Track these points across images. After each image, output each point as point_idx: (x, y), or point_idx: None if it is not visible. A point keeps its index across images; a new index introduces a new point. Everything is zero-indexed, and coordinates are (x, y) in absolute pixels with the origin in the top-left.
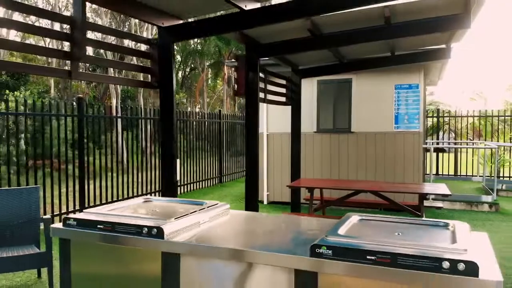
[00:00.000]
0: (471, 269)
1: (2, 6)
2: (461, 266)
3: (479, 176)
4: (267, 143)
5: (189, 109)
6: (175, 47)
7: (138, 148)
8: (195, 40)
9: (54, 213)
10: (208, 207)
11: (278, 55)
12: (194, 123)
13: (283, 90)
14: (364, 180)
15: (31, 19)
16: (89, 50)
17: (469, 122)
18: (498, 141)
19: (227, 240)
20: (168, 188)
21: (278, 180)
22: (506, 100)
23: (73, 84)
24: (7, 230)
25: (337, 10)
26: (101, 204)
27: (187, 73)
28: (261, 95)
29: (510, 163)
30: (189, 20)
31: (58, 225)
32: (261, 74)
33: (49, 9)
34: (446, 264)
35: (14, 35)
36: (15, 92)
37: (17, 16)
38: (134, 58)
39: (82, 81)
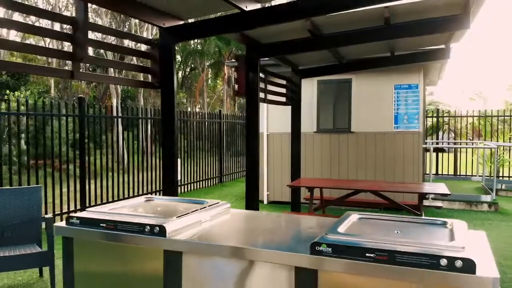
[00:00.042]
0: (468, 266)
1: (6, 8)
2: (459, 263)
3: (479, 176)
4: (267, 143)
5: (189, 109)
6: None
7: (139, 148)
8: (195, 40)
9: (55, 213)
10: (209, 206)
11: (278, 55)
12: (195, 123)
13: (283, 90)
14: (364, 180)
15: (31, 19)
16: (89, 50)
17: (469, 122)
18: (497, 141)
19: (229, 238)
20: (169, 188)
21: (278, 180)
22: (506, 100)
23: (73, 84)
24: (9, 229)
25: (337, 11)
26: (102, 203)
27: (187, 73)
28: (261, 95)
29: (509, 163)
30: (190, 20)
31: (61, 223)
32: (261, 74)
33: (49, 9)
34: (443, 261)
35: (14, 35)
36: (16, 92)
37: (17, 16)
38: (134, 58)
39: (82, 81)
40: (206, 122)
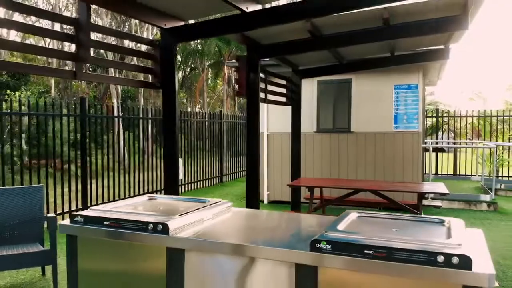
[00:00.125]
0: (465, 262)
1: (7, 9)
2: (455, 260)
3: (478, 175)
4: (267, 143)
5: (189, 109)
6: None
7: (139, 148)
8: (196, 40)
9: (57, 212)
10: (211, 204)
11: (278, 56)
12: (195, 123)
13: (284, 90)
14: (363, 180)
15: (31, 19)
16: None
17: (468, 122)
18: (497, 141)
19: (230, 236)
20: (170, 187)
21: (278, 180)
22: (506, 100)
23: (73, 84)
24: (11, 229)
25: (337, 12)
26: (103, 203)
27: (187, 73)
28: (262, 95)
29: (508, 162)
30: (191, 21)
31: (65, 222)
32: (261, 75)
33: (50, 9)
34: (440, 258)
35: (14, 35)
36: (16, 92)
37: (17, 17)
38: (134, 58)
39: (82, 81)
40: (207, 122)
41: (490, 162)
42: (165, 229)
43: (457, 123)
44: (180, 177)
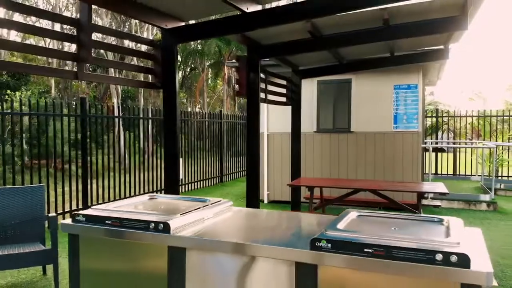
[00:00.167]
0: (463, 261)
1: (9, 9)
2: (454, 258)
3: (478, 175)
4: (267, 142)
5: (189, 109)
6: None
7: (140, 148)
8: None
9: (58, 212)
10: (211, 203)
11: (278, 56)
12: (195, 123)
13: (284, 91)
14: (363, 179)
15: (31, 20)
16: None
17: (468, 122)
18: (496, 141)
19: (231, 235)
20: (171, 187)
21: (278, 180)
22: (506, 100)
23: (73, 84)
24: (13, 228)
25: (337, 13)
26: (103, 203)
27: (187, 73)
28: (262, 95)
29: (508, 162)
30: (192, 22)
31: (67, 221)
32: (261, 75)
33: (50, 9)
34: (439, 256)
35: (14, 35)
36: (17, 92)
37: (16, 17)
38: (134, 58)
39: (83, 81)
40: (207, 122)
41: (489, 162)
42: (166, 228)
43: (457, 123)
44: (180, 177)
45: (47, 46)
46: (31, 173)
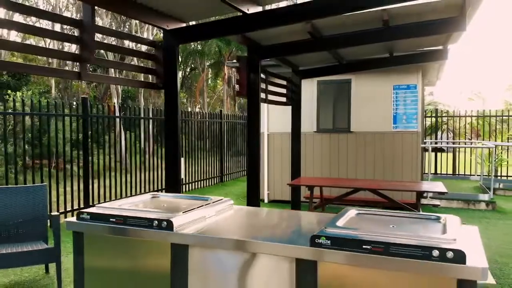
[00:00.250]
0: (459, 257)
1: (16, 12)
2: (450, 254)
3: (477, 175)
4: (267, 142)
5: (189, 109)
6: None
7: (140, 148)
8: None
9: (60, 211)
10: (213, 202)
11: (279, 56)
12: (196, 123)
13: (284, 91)
14: (363, 179)
15: (32, 20)
16: None
17: (467, 122)
18: (496, 141)
19: (232, 232)
20: (172, 187)
21: (279, 179)
22: (506, 100)
23: (74, 84)
24: (16, 227)
25: (337, 14)
26: (105, 202)
27: (187, 73)
28: (262, 95)
29: (507, 162)
30: (193, 23)
31: (72, 219)
32: (262, 75)
33: (50, 9)
34: (435, 253)
35: (14, 36)
36: (17, 92)
37: (17, 17)
38: (134, 59)
39: (83, 81)
40: (207, 122)
41: (489, 162)
42: (169, 225)
43: (456, 123)
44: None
45: (47, 47)
46: (33, 173)
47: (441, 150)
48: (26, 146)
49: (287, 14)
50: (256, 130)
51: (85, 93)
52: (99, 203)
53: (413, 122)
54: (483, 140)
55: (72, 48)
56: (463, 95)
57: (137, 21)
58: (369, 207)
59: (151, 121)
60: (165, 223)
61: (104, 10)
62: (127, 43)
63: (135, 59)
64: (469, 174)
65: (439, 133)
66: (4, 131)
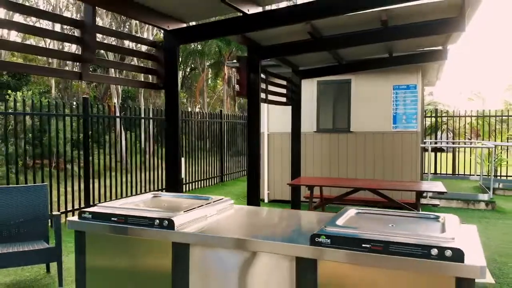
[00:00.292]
0: (458, 255)
1: (17, 12)
2: (448, 253)
3: (477, 175)
4: (267, 142)
5: (189, 109)
6: None
7: (141, 148)
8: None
9: (60, 211)
10: (214, 201)
11: (279, 56)
12: (196, 123)
13: (284, 91)
14: (362, 179)
15: (32, 20)
16: None
17: (467, 122)
18: (495, 141)
19: (233, 231)
20: (173, 187)
21: (279, 179)
22: (505, 100)
23: (74, 84)
24: (17, 226)
25: (337, 15)
26: (105, 202)
27: (187, 73)
28: (262, 95)
29: (507, 162)
30: (193, 23)
31: (74, 218)
32: (262, 75)
33: (50, 10)
34: (434, 251)
35: (14, 36)
36: (18, 92)
37: (17, 17)
38: (134, 59)
39: (83, 82)
40: (207, 122)
41: (488, 162)
42: (171, 224)
43: (456, 123)
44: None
45: (47, 47)
46: (34, 173)
47: (440, 150)
48: (27, 146)
49: (287, 14)
50: (256, 130)
51: (85, 93)
52: (99, 203)
53: (412, 122)
54: (483, 140)
55: (72, 48)
56: (463, 95)
57: (137, 22)
58: (369, 206)
59: (151, 121)
60: (166, 222)
61: (104, 10)
62: (127, 43)
63: (135, 59)
64: (469, 174)
65: (438, 133)
66: (5, 131)
